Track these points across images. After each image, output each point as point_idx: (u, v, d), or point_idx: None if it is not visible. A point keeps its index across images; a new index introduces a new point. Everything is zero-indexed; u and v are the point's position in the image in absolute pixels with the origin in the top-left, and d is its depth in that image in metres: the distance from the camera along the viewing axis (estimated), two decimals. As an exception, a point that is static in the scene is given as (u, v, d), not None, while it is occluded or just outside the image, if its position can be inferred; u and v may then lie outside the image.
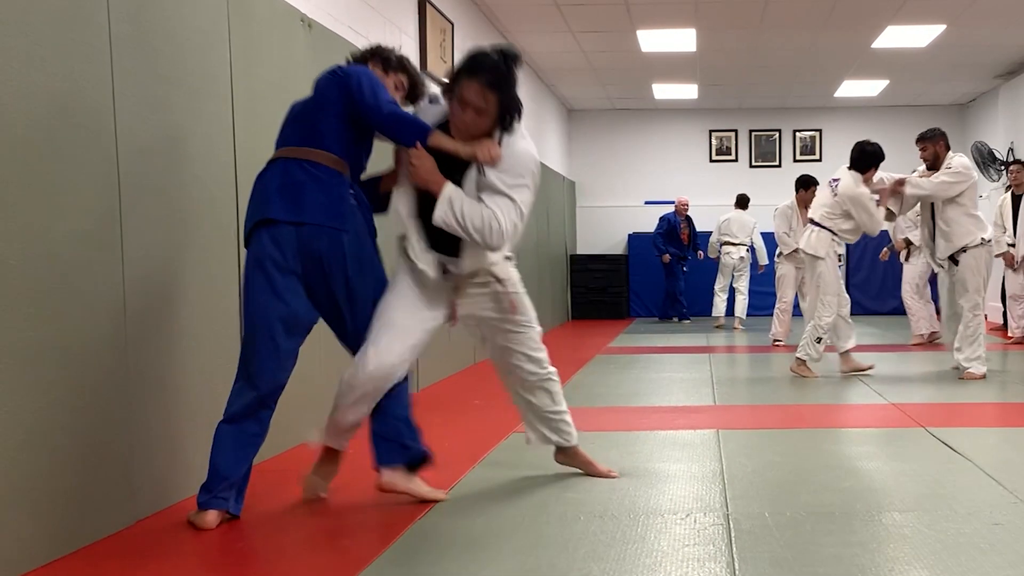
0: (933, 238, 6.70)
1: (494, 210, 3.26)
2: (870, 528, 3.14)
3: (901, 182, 6.62)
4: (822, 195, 6.98)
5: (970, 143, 12.74)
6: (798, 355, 6.84)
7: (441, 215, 3.24)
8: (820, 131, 14.69)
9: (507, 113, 3.30)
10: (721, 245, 11.71)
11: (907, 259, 9.53)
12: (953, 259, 6.56)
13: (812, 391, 6.54)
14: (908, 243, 9.41)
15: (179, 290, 3.59)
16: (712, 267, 12.84)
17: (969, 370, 6.58)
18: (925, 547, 2.93)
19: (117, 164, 3.21)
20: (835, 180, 6.85)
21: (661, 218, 12.84)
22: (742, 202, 11.86)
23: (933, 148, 6.67)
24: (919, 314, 9.32)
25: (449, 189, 3.25)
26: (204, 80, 3.81)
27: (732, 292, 11.81)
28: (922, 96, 13.82)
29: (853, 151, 6.82)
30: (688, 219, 12.83)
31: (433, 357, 6.55)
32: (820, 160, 14.44)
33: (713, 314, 11.97)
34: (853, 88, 13.10)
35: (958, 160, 6.60)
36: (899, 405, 5.63)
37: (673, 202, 13.07)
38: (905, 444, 4.61)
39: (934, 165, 6.62)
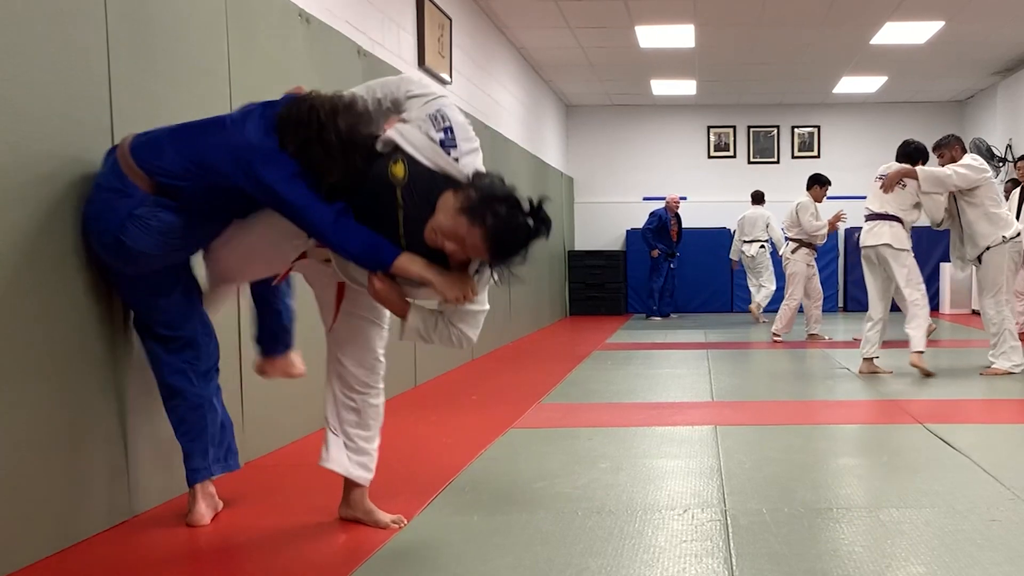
0: (962, 242, 6.76)
1: (463, 329, 2.93)
2: (867, 524, 3.14)
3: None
4: (894, 192, 6.78)
5: (968, 140, 12.75)
6: (920, 350, 6.61)
7: (407, 338, 2.96)
8: (818, 127, 14.69)
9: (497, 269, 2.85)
10: (742, 244, 11.92)
11: None
12: (979, 259, 6.67)
13: (810, 388, 6.55)
14: None
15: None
16: (703, 264, 12.90)
17: (994, 365, 6.64)
18: (922, 543, 2.93)
19: (114, 159, 3.21)
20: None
21: (652, 213, 12.84)
22: (757, 198, 11.93)
23: (950, 154, 6.73)
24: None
25: (414, 319, 2.89)
26: (202, 76, 3.80)
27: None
28: (921, 92, 13.83)
29: (899, 151, 6.92)
30: (677, 216, 12.84)
31: (430, 353, 6.55)
32: (818, 156, 14.45)
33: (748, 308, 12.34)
34: (852, 84, 13.09)
35: (970, 156, 6.68)
36: (897, 402, 5.63)
37: (655, 197, 13.09)
38: (903, 441, 4.61)
39: None
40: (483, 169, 2.84)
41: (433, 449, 4.42)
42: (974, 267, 6.88)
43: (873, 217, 6.80)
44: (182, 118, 3.61)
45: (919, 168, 6.64)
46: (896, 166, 6.83)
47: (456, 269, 2.82)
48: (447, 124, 2.81)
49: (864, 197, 9.43)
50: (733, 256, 12.36)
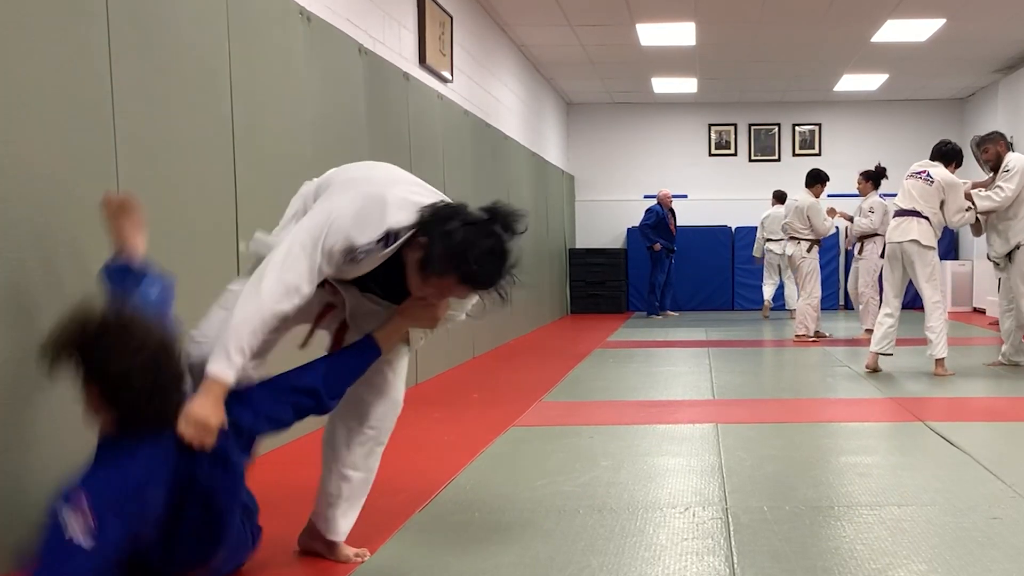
0: (998, 235, 6.77)
1: (454, 319, 2.93)
2: (868, 522, 3.14)
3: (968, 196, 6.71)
4: (915, 187, 6.72)
5: (969, 137, 12.72)
6: (938, 356, 6.59)
7: (419, 347, 2.98)
8: (819, 125, 14.68)
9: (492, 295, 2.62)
10: (765, 242, 11.93)
11: (860, 252, 9.55)
12: (1009, 256, 6.66)
13: (811, 386, 6.55)
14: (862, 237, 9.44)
15: (177, 288, 3.57)
16: (704, 262, 12.84)
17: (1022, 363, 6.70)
18: (923, 541, 2.93)
19: (116, 160, 3.21)
20: (923, 172, 6.75)
21: (648, 210, 12.80)
22: (780, 197, 11.92)
23: (994, 149, 6.76)
24: (873, 308, 9.16)
25: (414, 337, 2.85)
26: (203, 74, 3.80)
27: (783, 285, 12.28)
28: (922, 90, 13.82)
29: (934, 150, 6.89)
30: (672, 211, 12.83)
31: (432, 351, 6.55)
32: (819, 154, 14.43)
33: (765, 306, 12.45)
34: (853, 82, 13.08)
35: (1015, 159, 6.64)
36: (898, 399, 5.63)
37: (656, 195, 13.05)
38: (904, 439, 4.61)
39: (996, 165, 6.71)
40: (416, 202, 2.53)
41: (434, 447, 4.42)
42: (1003, 264, 6.80)
43: (902, 213, 6.74)
44: (184, 116, 3.63)
45: (976, 195, 6.64)
46: (927, 163, 6.82)
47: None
48: (352, 254, 2.48)
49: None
50: (756, 253, 12.45)
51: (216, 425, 2.37)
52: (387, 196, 2.52)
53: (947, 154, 6.83)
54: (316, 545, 2.88)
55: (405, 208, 2.51)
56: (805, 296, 9.45)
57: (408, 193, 2.57)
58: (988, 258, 6.94)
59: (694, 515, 3.24)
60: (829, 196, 9.96)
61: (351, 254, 2.47)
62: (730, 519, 3.17)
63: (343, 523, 2.84)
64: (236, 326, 2.42)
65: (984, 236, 7.03)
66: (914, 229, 6.62)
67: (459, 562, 2.80)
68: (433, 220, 2.48)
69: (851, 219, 9.55)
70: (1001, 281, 6.97)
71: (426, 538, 3.03)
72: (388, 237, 2.48)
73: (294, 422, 2.63)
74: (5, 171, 2.72)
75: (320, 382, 2.59)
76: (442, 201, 2.57)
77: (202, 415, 2.36)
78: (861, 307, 9.48)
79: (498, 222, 2.50)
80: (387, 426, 2.87)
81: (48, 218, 2.89)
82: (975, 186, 6.83)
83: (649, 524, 3.15)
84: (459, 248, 2.43)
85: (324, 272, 2.50)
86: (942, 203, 6.66)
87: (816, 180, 9.61)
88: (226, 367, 2.41)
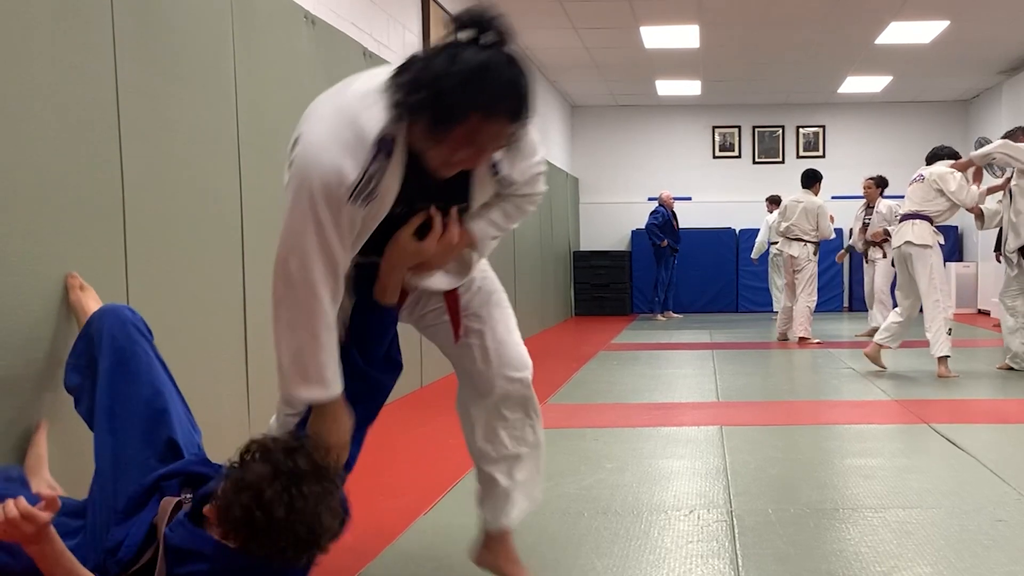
0: (1015, 231, 6.78)
1: (533, 195, 2.42)
2: (873, 524, 3.14)
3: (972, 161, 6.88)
4: (914, 192, 6.91)
5: (973, 139, 12.73)
6: (940, 355, 6.65)
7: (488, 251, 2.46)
8: (823, 127, 14.67)
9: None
10: (770, 244, 11.96)
11: (883, 255, 9.54)
12: (1022, 250, 6.69)
13: (816, 388, 6.54)
14: (887, 234, 9.39)
15: (182, 289, 3.59)
16: (708, 264, 12.79)
17: None
18: (928, 543, 2.93)
19: (120, 161, 3.22)
20: (919, 176, 6.98)
21: (654, 211, 12.82)
22: (777, 202, 11.93)
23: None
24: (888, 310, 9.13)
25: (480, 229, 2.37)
26: (208, 77, 3.81)
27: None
28: (926, 92, 13.81)
29: (929, 155, 7.14)
30: (673, 212, 12.84)
31: (435, 353, 6.54)
32: (823, 156, 14.43)
33: (775, 308, 12.43)
34: (857, 84, 13.08)
35: None
36: (903, 402, 5.63)
37: (657, 198, 13.08)
38: (909, 441, 4.61)
39: None
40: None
41: (439, 449, 4.42)
42: (1014, 262, 6.80)
43: (903, 219, 6.96)
44: (188, 119, 3.64)
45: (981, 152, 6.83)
46: (923, 168, 6.99)
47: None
48: (365, 190, 2.04)
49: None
50: (754, 255, 12.55)
51: (346, 438, 2.11)
52: (348, 103, 2.10)
53: (937, 154, 7.04)
54: (495, 561, 2.58)
55: (375, 100, 2.03)
56: (806, 297, 9.47)
57: (369, 84, 2.09)
58: (1004, 254, 6.93)
59: (699, 518, 3.24)
60: (833, 198, 9.94)
61: (364, 191, 1.99)
62: (735, 522, 3.17)
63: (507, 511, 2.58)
64: (301, 346, 2.07)
65: (987, 236, 7.08)
66: (908, 231, 6.81)
67: (464, 564, 2.80)
68: (418, 74, 1.94)
69: (887, 232, 9.47)
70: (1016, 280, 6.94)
71: (431, 540, 3.04)
72: (381, 144, 2.00)
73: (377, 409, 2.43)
74: (7, 173, 2.72)
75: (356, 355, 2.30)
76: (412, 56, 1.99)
77: (333, 441, 2.09)
78: (879, 304, 9.52)
79: (489, 33, 1.93)
80: (526, 406, 2.54)
81: (52, 220, 2.89)
82: (957, 167, 6.91)
83: (654, 527, 3.15)
84: (463, 77, 1.88)
85: (353, 226, 2.04)
86: (944, 196, 6.76)
87: (814, 179, 9.66)
88: (323, 384, 2.09)
